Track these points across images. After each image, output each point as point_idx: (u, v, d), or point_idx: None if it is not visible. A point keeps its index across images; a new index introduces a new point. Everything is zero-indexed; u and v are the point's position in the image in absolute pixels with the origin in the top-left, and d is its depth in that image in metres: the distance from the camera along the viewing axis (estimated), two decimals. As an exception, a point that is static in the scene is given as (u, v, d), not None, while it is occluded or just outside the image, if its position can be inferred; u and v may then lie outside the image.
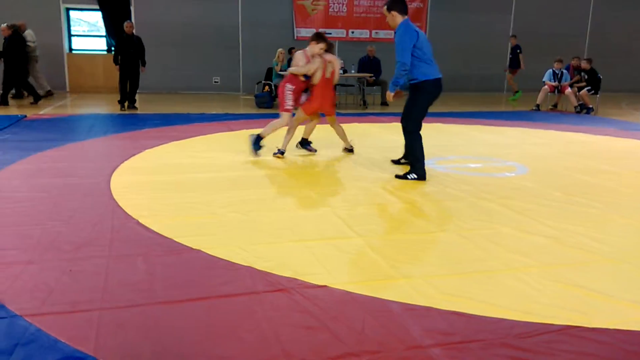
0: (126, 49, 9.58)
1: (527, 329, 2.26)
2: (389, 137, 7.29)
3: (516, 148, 6.67)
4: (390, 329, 2.24)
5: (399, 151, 5.67)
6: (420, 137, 4.93)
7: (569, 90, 11.07)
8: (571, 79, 11.42)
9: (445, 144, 6.82)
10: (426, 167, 4.94)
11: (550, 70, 11.44)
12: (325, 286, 2.61)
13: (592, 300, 2.54)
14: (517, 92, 13.47)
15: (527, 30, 14.92)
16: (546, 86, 11.30)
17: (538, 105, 11.29)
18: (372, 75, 11.18)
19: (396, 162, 5.53)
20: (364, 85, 11.37)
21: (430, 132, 7.75)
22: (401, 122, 5.07)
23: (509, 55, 13.96)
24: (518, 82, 13.49)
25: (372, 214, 3.89)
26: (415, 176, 4.85)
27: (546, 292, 2.60)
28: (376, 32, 13.99)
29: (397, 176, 4.94)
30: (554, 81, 11.34)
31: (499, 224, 3.64)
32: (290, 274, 2.73)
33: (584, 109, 10.84)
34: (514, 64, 13.19)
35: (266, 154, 5.71)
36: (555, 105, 11.65)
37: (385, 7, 4.86)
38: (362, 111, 10.51)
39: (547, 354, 2.07)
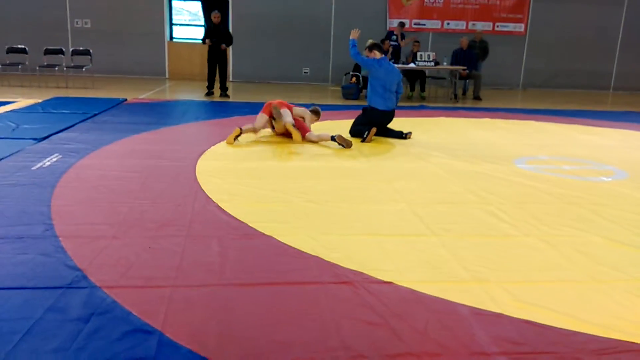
0: (212, 36, 9.99)
1: (605, 345, 2.09)
2: (477, 132, 7.02)
3: (617, 151, 6.17)
4: (455, 332, 2.15)
5: (484, 148, 5.47)
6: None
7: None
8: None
9: (539, 143, 6.45)
10: (516, 167, 5.11)
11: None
12: (391, 282, 2.56)
13: (688, 322, 2.30)
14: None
15: (641, 23, 13.77)
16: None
17: None
18: (465, 68, 10.79)
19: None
20: (456, 79, 11.01)
21: (523, 130, 7.40)
22: None
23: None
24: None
25: (451, 212, 3.75)
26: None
27: (633, 309, 2.39)
28: (473, 24, 13.47)
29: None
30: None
31: (588, 232, 3.39)
32: (357, 267, 2.70)
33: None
34: None
35: (352, 147, 5.71)
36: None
37: (367, 47, 6.64)
38: (453, 105, 10.20)
39: (627, 375, 1.91)
